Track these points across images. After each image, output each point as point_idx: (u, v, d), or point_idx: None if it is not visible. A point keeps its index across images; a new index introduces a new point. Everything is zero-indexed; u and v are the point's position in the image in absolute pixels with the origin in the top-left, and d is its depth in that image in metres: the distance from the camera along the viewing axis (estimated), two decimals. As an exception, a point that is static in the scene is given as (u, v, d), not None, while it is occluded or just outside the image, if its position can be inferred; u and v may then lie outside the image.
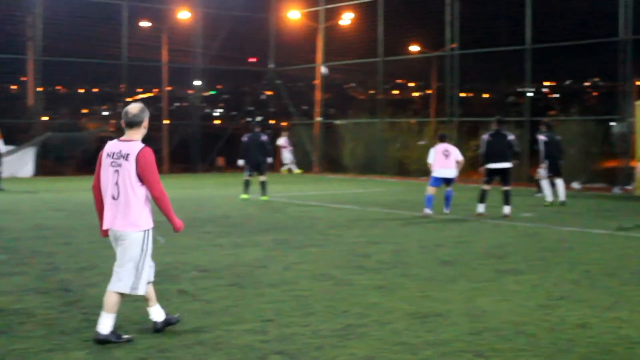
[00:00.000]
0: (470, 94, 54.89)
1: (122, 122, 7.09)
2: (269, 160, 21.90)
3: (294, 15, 38.63)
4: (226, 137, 38.38)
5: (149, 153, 7.00)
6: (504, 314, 8.11)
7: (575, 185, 26.41)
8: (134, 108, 7.08)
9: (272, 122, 41.74)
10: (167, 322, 7.31)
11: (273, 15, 39.39)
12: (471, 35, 31.50)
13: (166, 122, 38.21)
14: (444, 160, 17.79)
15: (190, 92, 40.86)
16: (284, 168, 36.17)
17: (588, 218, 17.57)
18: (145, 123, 7.15)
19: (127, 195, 6.94)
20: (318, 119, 38.12)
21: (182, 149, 37.44)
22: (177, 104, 42.67)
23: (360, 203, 20.77)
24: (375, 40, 34.53)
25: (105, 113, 41.65)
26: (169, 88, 39.46)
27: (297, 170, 35.98)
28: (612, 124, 28.24)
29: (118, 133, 35.99)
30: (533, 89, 35.44)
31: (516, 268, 10.88)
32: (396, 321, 7.76)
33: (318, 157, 37.33)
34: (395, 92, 60.84)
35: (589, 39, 28.08)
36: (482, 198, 17.56)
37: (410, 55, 38.28)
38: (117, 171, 6.95)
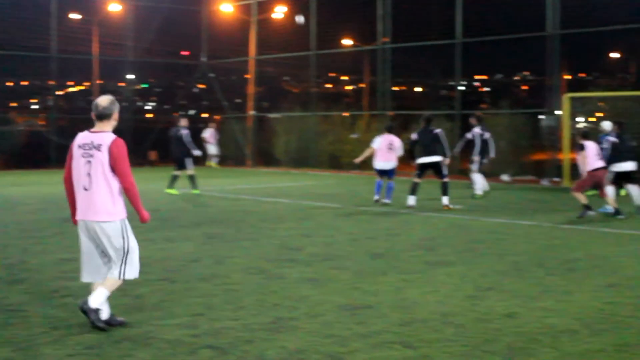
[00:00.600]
0: (403, 88, 55.32)
1: (93, 115, 7.14)
2: (197, 153, 21.76)
3: (226, 8, 38.42)
4: (158, 131, 38.04)
5: (122, 144, 7.08)
6: (433, 305, 8.21)
7: (505, 177, 26.81)
8: (103, 101, 7.17)
9: (205, 115, 41.47)
10: (108, 322, 7.22)
11: (205, 8, 39.11)
12: (403, 29, 31.74)
13: (97, 115, 37.72)
14: (385, 153, 18.34)
15: (122, 85, 40.38)
16: (210, 161, 35.84)
17: (517, 210, 17.84)
18: (116, 115, 7.21)
19: (99, 186, 7.01)
20: (251, 112, 38.02)
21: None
22: (109, 98, 42.18)
23: (292, 196, 20.80)
24: (308, 34, 34.55)
25: (35, 107, 40.95)
26: (100, 81, 38.93)
27: (214, 164, 35.56)
28: (540, 117, 28.72)
29: (49, 126, 35.48)
30: (465, 83, 35.85)
31: (446, 260, 11.02)
32: (327, 313, 7.80)
33: (251, 150, 37.23)
34: (329, 85, 60.96)
35: (518, 34, 28.52)
36: (412, 190, 17.75)
37: (343, 49, 38.41)
38: (89, 162, 7.01)
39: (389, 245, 12.44)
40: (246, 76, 38.91)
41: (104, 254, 7.25)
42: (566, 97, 24.95)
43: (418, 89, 54.82)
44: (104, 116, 7.14)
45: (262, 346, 6.68)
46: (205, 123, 37.76)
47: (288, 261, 10.86)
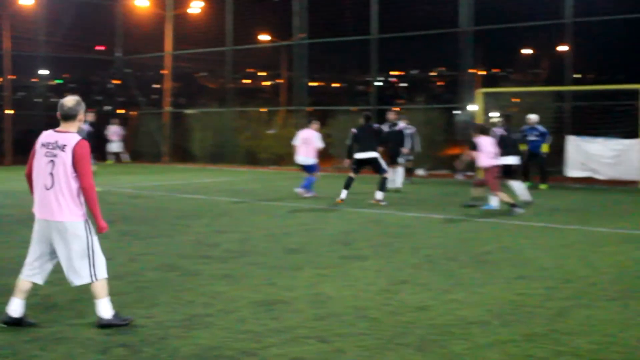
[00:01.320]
0: (321, 83, 55.53)
1: (58, 115, 7.09)
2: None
3: (142, 3, 37.95)
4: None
5: (86, 145, 7.03)
6: (348, 299, 8.27)
7: (420, 172, 27.13)
8: (69, 101, 7.12)
9: (121, 111, 40.92)
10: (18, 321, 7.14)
11: (120, 2, 38.56)
12: (319, 24, 31.84)
13: (9, 112, 36.87)
14: (301, 147, 18.67)
15: (35, 81, 39.57)
16: (110, 159, 35.13)
17: (431, 204, 18.07)
18: (81, 116, 7.17)
19: (61, 186, 6.95)
20: (167, 108, 37.69)
21: (27, 140, 35.99)
22: (22, 94, 41.26)
23: (208, 192, 20.70)
24: (224, 29, 34.38)
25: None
26: (12, 77, 38.08)
27: (109, 161, 35.02)
28: (455, 112, 29.15)
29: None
30: (382, 79, 36.07)
31: (361, 254, 11.11)
32: (241, 310, 7.80)
33: (167, 147, 36.90)
34: (246, 81, 60.71)
35: (432, 30, 28.91)
36: (346, 185, 17.75)
37: (259, 45, 38.36)
38: (52, 161, 6.95)
39: (305, 240, 12.48)
40: (162, 72, 38.53)
41: (52, 255, 7.16)
42: (479, 93, 25.36)
43: (335, 85, 55.08)
44: (69, 117, 7.10)
45: (176, 343, 6.64)
46: (120, 119, 37.26)
47: (203, 258, 10.81)
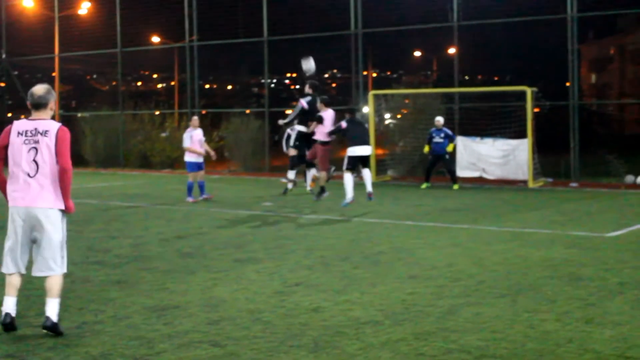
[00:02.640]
0: (214, 85, 55.37)
1: (29, 104, 7.11)
2: None
3: (27, 3, 37.04)
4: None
5: (67, 130, 7.10)
6: (242, 302, 8.26)
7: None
8: (39, 90, 7.11)
9: (9, 115, 39.86)
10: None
11: (4, 2, 37.50)
12: (210, 26, 31.69)
13: None
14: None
15: None
16: None
17: (325, 206, 18.14)
18: (52, 104, 7.15)
19: (46, 173, 6.96)
20: (58, 111, 36.92)
21: None
22: None
23: (100, 197, 20.36)
24: (115, 31, 33.85)
25: None
26: None
27: None
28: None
29: None
30: (274, 81, 36.10)
31: (255, 257, 11.10)
32: (133, 315, 7.70)
33: (58, 151, 36.08)
34: (139, 83, 59.98)
35: (324, 32, 29.13)
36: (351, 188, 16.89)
37: (149, 47, 37.95)
38: (34, 148, 6.93)
39: (198, 244, 12.40)
40: (53, 74, 37.72)
41: (32, 243, 7.14)
42: (371, 94, 25.65)
43: (229, 87, 54.94)
44: (40, 105, 7.07)
45: (65, 352, 6.52)
46: (9, 123, 36.30)
47: (94, 264, 10.64)
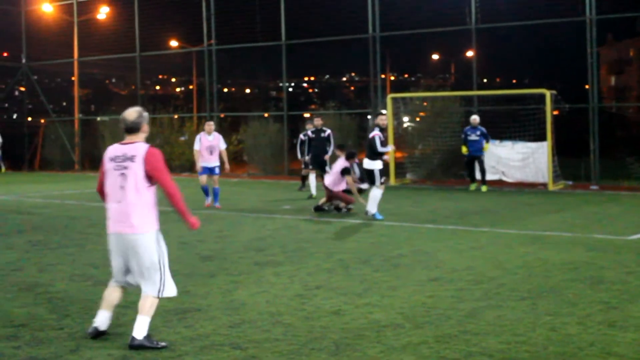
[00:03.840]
0: (233, 89, 55.51)
1: (122, 128, 7.08)
2: None
3: (47, 8, 37.24)
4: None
5: (157, 151, 7.03)
6: (262, 305, 8.27)
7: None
8: (130, 114, 7.08)
9: (29, 119, 40.09)
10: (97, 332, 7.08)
11: (24, 7, 37.72)
12: (228, 30, 31.77)
13: None
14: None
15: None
16: None
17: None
18: (145, 127, 7.10)
19: (132, 198, 6.89)
20: (77, 115, 37.08)
21: None
22: None
23: (121, 201, 20.39)
24: (133, 35, 33.98)
25: None
26: None
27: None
28: (369, 117, 29.41)
29: None
30: (292, 84, 36.15)
31: (275, 260, 11.12)
32: (154, 318, 7.67)
33: (78, 154, 36.28)
34: (157, 87, 60.19)
35: (341, 35, 29.15)
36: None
37: (168, 51, 38.08)
38: (122, 174, 6.91)
39: (218, 247, 12.43)
40: (72, 78, 37.89)
41: (128, 271, 7.08)
42: (389, 98, 25.63)
43: (247, 91, 55.05)
44: (132, 130, 7.04)
45: (88, 354, 6.56)
46: (29, 127, 36.52)
47: (115, 267, 10.66)
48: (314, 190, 20.74)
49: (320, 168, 20.78)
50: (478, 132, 22.52)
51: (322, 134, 21.34)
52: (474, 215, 16.60)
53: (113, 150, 7.07)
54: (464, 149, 22.75)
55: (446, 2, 27.43)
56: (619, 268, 10.20)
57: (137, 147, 6.98)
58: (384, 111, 19.09)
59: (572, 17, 25.02)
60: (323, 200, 17.24)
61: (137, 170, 6.90)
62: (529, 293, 8.72)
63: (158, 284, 6.98)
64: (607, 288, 8.95)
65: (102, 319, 7.08)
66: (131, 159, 6.92)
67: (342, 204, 16.90)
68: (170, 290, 7.08)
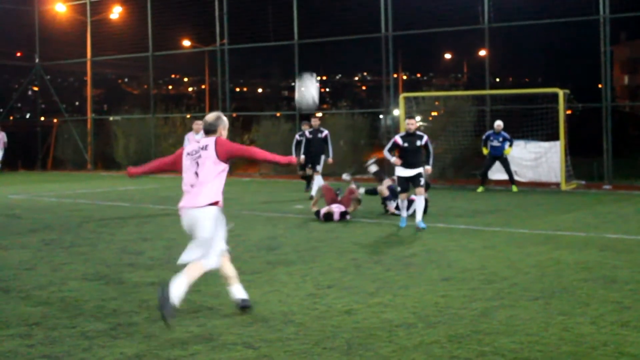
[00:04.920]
0: (244, 89, 55.55)
1: (202, 129, 8.02)
2: None
3: (60, 8, 37.37)
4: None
5: (225, 139, 7.90)
6: (274, 304, 8.28)
7: (345, 176, 27.22)
8: (210, 117, 7.97)
9: (42, 118, 40.23)
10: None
11: (37, 7, 37.85)
12: (241, 30, 31.83)
13: None
14: None
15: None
16: None
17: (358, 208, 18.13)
18: (221, 130, 7.93)
19: (204, 179, 7.66)
20: (90, 115, 37.18)
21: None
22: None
23: (133, 200, 20.48)
24: (146, 35, 34.05)
25: None
26: None
27: None
28: (381, 116, 29.42)
29: None
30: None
31: (287, 259, 11.12)
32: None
33: (91, 154, 36.37)
34: (170, 86, 60.28)
35: (353, 35, 29.14)
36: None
37: (180, 50, 38.15)
38: (196, 162, 7.73)
39: (230, 246, 12.32)
40: (85, 78, 37.99)
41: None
42: (402, 97, 25.61)
43: (259, 90, 55.09)
44: (209, 131, 7.91)
45: (100, 353, 6.57)
46: (42, 127, 36.64)
47: (128, 266, 10.70)
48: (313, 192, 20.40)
49: (314, 167, 20.47)
50: (501, 138, 22.47)
51: (320, 135, 20.84)
52: (486, 214, 16.56)
53: (191, 147, 7.89)
54: (485, 150, 22.68)
55: (459, 1, 27.40)
56: (632, 268, 10.16)
57: (209, 139, 7.79)
58: (417, 118, 18.97)
59: (586, 16, 24.94)
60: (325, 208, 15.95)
61: (210, 155, 7.68)
62: (542, 293, 8.69)
63: (205, 256, 7.81)
64: (620, 288, 8.92)
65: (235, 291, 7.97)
66: (204, 148, 7.72)
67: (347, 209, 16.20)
68: (214, 261, 7.89)
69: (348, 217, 15.75)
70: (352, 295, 8.65)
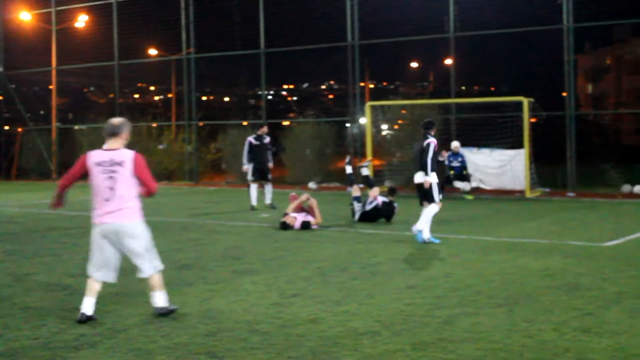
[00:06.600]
0: (212, 97, 55.41)
1: (105, 133, 8.06)
2: None
3: (25, 17, 37.08)
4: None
5: (141, 157, 8.08)
6: (239, 314, 8.26)
7: (312, 185, 27.29)
8: (116, 120, 8.13)
9: (6, 127, 39.83)
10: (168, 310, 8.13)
11: (2, 16, 37.52)
12: (207, 39, 31.79)
13: None
14: None
15: None
16: None
17: (322, 217, 18.11)
18: (125, 134, 8.06)
19: (123, 195, 7.87)
20: (55, 124, 36.90)
21: None
22: None
23: (98, 209, 20.29)
24: (112, 43, 33.87)
25: None
26: None
27: None
28: (347, 125, 29.49)
29: None
30: (272, 92, 36.18)
31: (252, 268, 11.10)
32: (131, 328, 7.70)
33: (55, 163, 36.07)
34: (136, 95, 59.97)
35: (320, 44, 29.20)
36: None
37: (146, 59, 37.99)
38: (111, 177, 7.87)
39: (196, 255, 12.40)
40: (50, 87, 37.71)
41: (118, 256, 8.16)
42: (368, 106, 25.68)
43: (226, 99, 54.98)
44: (113, 134, 8.00)
45: (63, 364, 6.51)
46: (6, 136, 36.28)
47: (92, 276, 10.60)
48: (254, 202, 20.11)
49: (263, 178, 20.30)
50: (460, 158, 22.66)
51: (264, 141, 20.47)
52: (451, 222, 16.64)
53: (98, 156, 7.97)
54: (452, 172, 22.87)
55: (425, 11, 27.56)
56: (594, 274, 10.26)
57: (123, 154, 7.93)
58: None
59: (550, 25, 25.20)
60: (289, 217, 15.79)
61: (126, 173, 7.86)
62: (506, 300, 8.75)
63: (155, 262, 8.18)
64: (582, 294, 9.00)
65: (87, 306, 7.95)
66: (120, 164, 7.85)
67: (313, 221, 16.18)
68: (160, 264, 8.27)
69: (315, 227, 15.73)
70: (318, 304, 8.65)
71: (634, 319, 7.83)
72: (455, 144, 23.01)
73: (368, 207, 16.86)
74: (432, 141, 13.54)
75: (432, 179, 13.46)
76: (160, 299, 8.08)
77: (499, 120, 24.79)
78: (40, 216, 18.96)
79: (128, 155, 7.91)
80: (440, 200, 13.77)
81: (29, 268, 11.37)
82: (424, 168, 13.45)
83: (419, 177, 13.66)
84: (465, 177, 22.75)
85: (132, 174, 7.89)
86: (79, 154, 33.70)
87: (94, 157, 7.99)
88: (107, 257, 8.11)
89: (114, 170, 7.84)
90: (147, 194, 8.08)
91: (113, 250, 8.11)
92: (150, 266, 8.13)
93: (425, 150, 13.44)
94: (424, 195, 13.65)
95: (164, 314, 8.03)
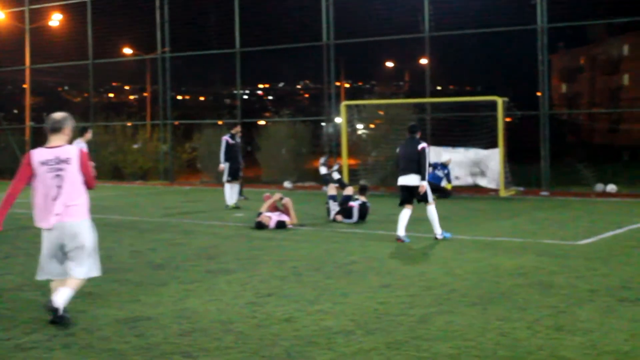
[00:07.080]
0: (187, 97, 55.26)
1: (47, 128, 7.85)
2: None
3: (-2, 16, 36.83)
4: None
5: (86, 153, 8.03)
6: (214, 313, 8.24)
7: (287, 184, 27.28)
8: (58, 115, 7.90)
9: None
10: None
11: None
12: (182, 38, 31.70)
13: None
14: None
15: None
16: None
17: (298, 216, 18.11)
18: (68, 130, 7.87)
19: (72, 194, 7.70)
20: (29, 123, 36.66)
21: None
22: None
23: (72, 209, 20.18)
24: (86, 42, 33.69)
25: None
26: None
27: None
28: (323, 124, 29.51)
29: None
30: (247, 92, 36.14)
31: (227, 268, 11.08)
32: (104, 328, 7.66)
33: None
34: (111, 95, 59.70)
35: (295, 43, 29.20)
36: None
37: (121, 58, 37.82)
38: (58, 175, 7.68)
39: (170, 255, 12.36)
40: (24, 86, 37.46)
41: (65, 256, 7.80)
42: (343, 105, 25.70)
43: (201, 98, 54.86)
44: (56, 129, 7.80)
45: (36, 365, 6.47)
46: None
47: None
48: (230, 201, 20.14)
49: (237, 177, 20.46)
50: (446, 171, 22.80)
51: (238, 140, 20.61)
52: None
53: (42, 154, 7.76)
54: (449, 185, 22.93)
55: (400, 10, 27.60)
56: (568, 273, 10.33)
57: (68, 150, 7.77)
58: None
59: (524, 26, 25.32)
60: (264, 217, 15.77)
61: (73, 171, 7.73)
62: (480, 298, 8.78)
63: (87, 266, 7.86)
64: (556, 293, 9.05)
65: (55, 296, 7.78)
66: (66, 161, 7.69)
67: (288, 220, 16.23)
68: (97, 269, 8.00)
69: (290, 226, 15.73)
70: (292, 304, 8.65)
71: (607, 317, 7.88)
72: (447, 158, 23.11)
73: (354, 203, 16.84)
74: (426, 146, 13.66)
75: (426, 183, 13.59)
76: (62, 298, 7.67)
77: (473, 119, 24.90)
78: (13, 216, 18.74)
79: (73, 152, 7.76)
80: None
81: (2, 268, 11.34)
82: (420, 173, 13.51)
83: (411, 180, 13.66)
84: (445, 192, 22.44)
85: (78, 171, 7.75)
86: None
87: (38, 155, 7.76)
88: (55, 255, 7.85)
89: (61, 168, 7.67)
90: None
91: (59, 248, 7.83)
92: (86, 270, 7.84)
93: (421, 155, 13.46)
94: (413, 197, 13.72)
95: (53, 311, 7.62)
